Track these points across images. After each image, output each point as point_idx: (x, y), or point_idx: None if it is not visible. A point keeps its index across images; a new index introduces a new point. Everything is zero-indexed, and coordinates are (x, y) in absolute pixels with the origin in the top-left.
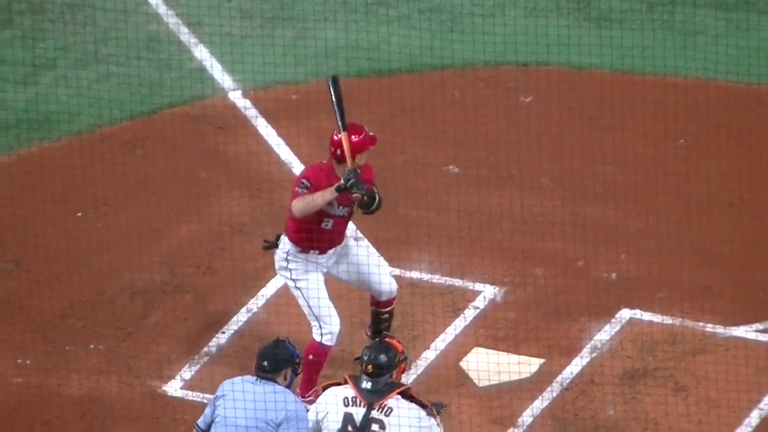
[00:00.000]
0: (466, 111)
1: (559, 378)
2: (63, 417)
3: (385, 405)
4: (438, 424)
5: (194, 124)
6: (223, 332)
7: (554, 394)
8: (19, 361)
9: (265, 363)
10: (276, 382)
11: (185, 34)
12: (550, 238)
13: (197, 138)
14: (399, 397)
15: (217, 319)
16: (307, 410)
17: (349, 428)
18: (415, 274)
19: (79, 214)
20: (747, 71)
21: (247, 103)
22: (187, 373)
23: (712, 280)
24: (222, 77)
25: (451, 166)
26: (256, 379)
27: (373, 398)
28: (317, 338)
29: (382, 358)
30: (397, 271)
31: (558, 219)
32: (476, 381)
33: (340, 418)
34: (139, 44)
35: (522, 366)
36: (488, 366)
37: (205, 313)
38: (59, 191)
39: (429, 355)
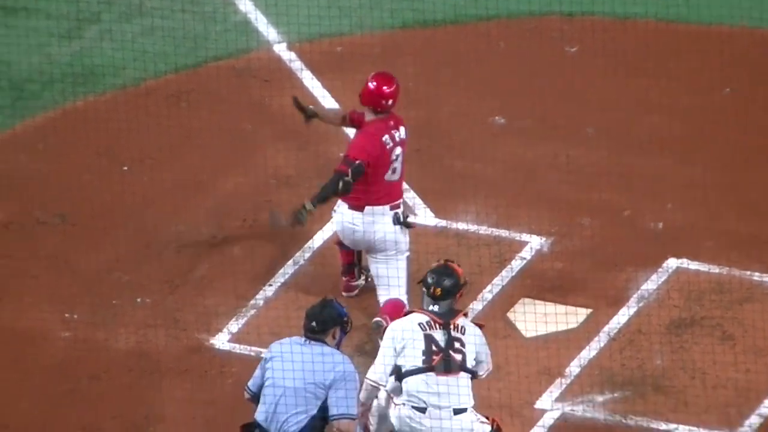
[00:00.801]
0: (510, 62)
1: (606, 328)
2: (110, 371)
3: (458, 324)
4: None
5: (239, 77)
6: (270, 285)
7: (601, 345)
8: (66, 315)
9: (314, 324)
10: (325, 343)
11: None
12: (596, 189)
13: (242, 91)
14: (463, 318)
15: (264, 271)
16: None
17: (434, 348)
18: (461, 226)
19: (125, 167)
20: None
21: (292, 55)
22: (234, 326)
23: (759, 228)
24: (267, 30)
25: (496, 117)
26: (305, 341)
27: (447, 317)
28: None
29: (447, 281)
30: (443, 223)
31: (604, 169)
32: (523, 332)
33: (422, 342)
34: None
35: (569, 316)
36: (535, 317)
37: (252, 266)
38: (104, 145)
39: (476, 306)
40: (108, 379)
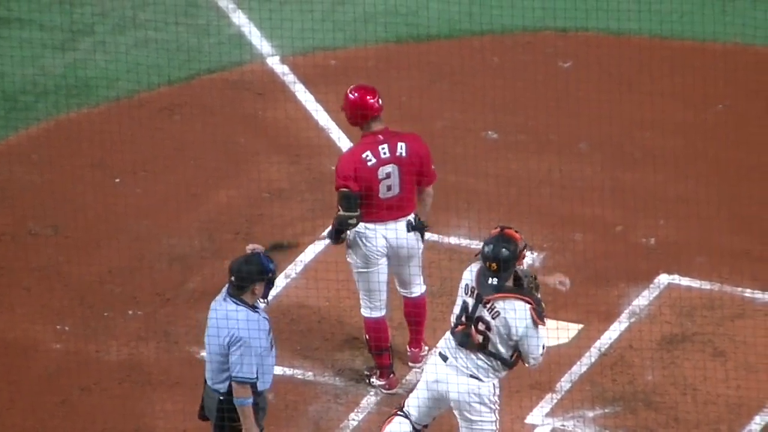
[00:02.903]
0: (504, 76)
1: (597, 343)
2: (101, 383)
3: (494, 307)
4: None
5: (232, 90)
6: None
7: (592, 360)
8: (58, 327)
9: (233, 278)
10: (239, 300)
11: (223, 0)
12: (589, 204)
13: (235, 104)
14: (512, 299)
15: None
16: (265, 331)
17: (463, 318)
18: (453, 240)
19: (118, 179)
20: None
21: (286, 68)
22: None
23: (751, 244)
24: (260, 43)
25: (489, 132)
26: (225, 297)
27: (485, 291)
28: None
29: (504, 251)
30: (436, 237)
31: (597, 184)
32: None
33: (460, 305)
34: (177, 9)
35: (560, 331)
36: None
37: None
38: (97, 157)
39: None
40: (99, 391)
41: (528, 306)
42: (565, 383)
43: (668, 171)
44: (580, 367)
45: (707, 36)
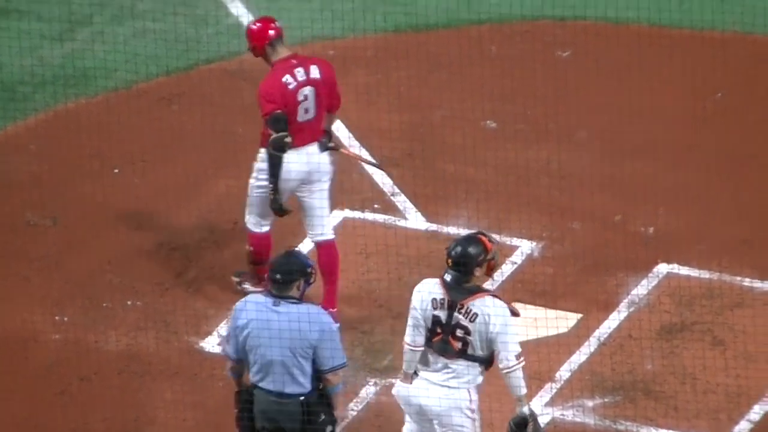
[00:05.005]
0: (503, 66)
1: (596, 333)
2: (101, 373)
3: (471, 310)
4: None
5: (231, 80)
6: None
7: (592, 349)
8: (57, 317)
9: (278, 276)
10: (291, 298)
11: None
12: (588, 193)
13: (234, 94)
14: (486, 296)
15: (253, 275)
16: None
17: (438, 330)
18: (452, 230)
19: (116, 170)
20: None
21: None
22: (224, 329)
23: (751, 233)
24: None
25: (488, 121)
26: (273, 302)
27: (456, 296)
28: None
29: (465, 251)
30: (435, 227)
31: (595, 174)
32: None
33: (430, 320)
34: (176, 0)
35: (560, 321)
36: (526, 321)
37: (243, 269)
38: (96, 147)
39: None
40: (98, 382)
41: (501, 301)
42: (564, 373)
43: (667, 160)
44: (580, 357)
45: (706, 24)
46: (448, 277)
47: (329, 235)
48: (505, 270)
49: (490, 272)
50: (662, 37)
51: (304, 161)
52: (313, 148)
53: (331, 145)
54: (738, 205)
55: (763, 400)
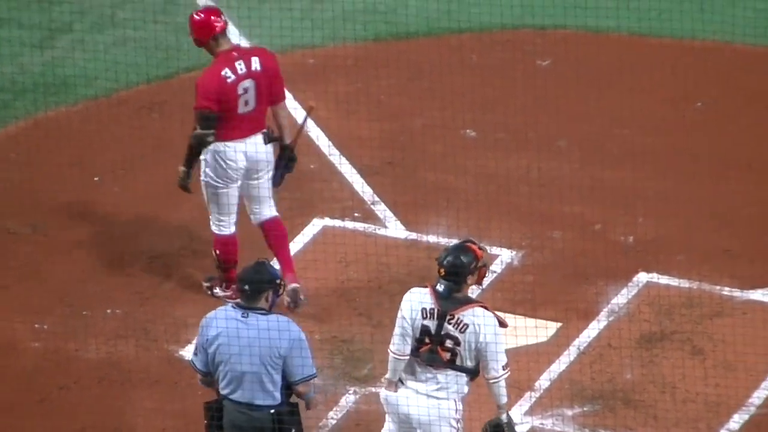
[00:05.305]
0: (483, 74)
1: (576, 342)
2: (81, 381)
3: (461, 321)
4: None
5: None
6: None
7: (571, 358)
8: (37, 325)
9: (246, 287)
10: (260, 309)
11: None
12: (568, 202)
13: None
14: (476, 307)
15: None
16: None
17: (427, 340)
18: (432, 238)
19: (96, 178)
20: (764, 34)
21: None
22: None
23: (730, 242)
24: (239, 41)
25: (468, 130)
26: (242, 313)
27: (447, 306)
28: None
29: (457, 260)
30: (414, 235)
31: (575, 182)
32: None
33: (419, 329)
34: (155, 8)
35: (539, 330)
36: (505, 330)
37: (223, 277)
38: (76, 155)
39: None
40: (78, 390)
41: (491, 312)
42: (543, 381)
43: (647, 169)
44: (559, 366)
45: (686, 34)
46: (441, 287)
47: (275, 212)
48: (485, 278)
49: (480, 280)
50: (642, 47)
51: (252, 151)
52: (258, 138)
53: (275, 136)
54: (718, 215)
55: (743, 409)
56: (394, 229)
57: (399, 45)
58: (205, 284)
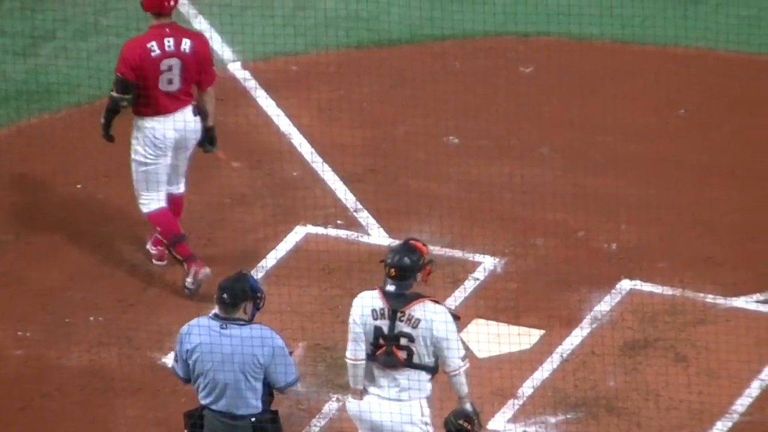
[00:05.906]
0: (466, 81)
1: (559, 349)
2: (63, 389)
3: (413, 316)
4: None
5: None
6: None
7: (554, 366)
8: (19, 333)
9: (225, 296)
10: (238, 320)
11: (184, 5)
12: (551, 209)
13: None
14: (426, 301)
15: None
16: None
17: (380, 341)
18: None
19: (79, 185)
20: (747, 41)
21: (247, 74)
22: None
23: (713, 250)
24: (221, 49)
25: (451, 137)
26: (220, 324)
27: (397, 305)
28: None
29: (406, 260)
30: (397, 242)
31: (558, 189)
32: (476, 352)
33: (371, 333)
34: (138, 15)
35: (522, 337)
36: (488, 337)
37: (205, 284)
38: (59, 163)
39: None
40: (61, 398)
41: (441, 305)
42: (527, 389)
43: (630, 176)
44: (542, 373)
45: (669, 41)
46: (391, 288)
47: (184, 188)
48: (468, 286)
49: (426, 277)
50: (625, 54)
51: (180, 125)
52: (186, 111)
53: (202, 112)
54: (701, 222)
55: (726, 416)
56: (377, 236)
57: (381, 52)
58: (187, 286)
